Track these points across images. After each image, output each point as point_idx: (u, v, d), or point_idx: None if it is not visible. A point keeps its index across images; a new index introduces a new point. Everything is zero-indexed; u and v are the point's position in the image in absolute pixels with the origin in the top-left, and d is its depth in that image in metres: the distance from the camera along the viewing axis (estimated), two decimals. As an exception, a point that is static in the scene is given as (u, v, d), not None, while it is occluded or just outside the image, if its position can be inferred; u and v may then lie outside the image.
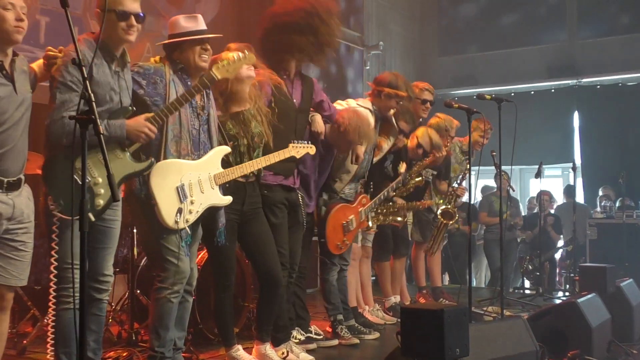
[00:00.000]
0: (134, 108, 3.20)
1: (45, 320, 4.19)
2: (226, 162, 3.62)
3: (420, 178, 5.22)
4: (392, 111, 4.91)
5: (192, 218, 3.41)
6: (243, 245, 3.96)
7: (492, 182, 9.22)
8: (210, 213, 3.54)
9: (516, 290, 8.04)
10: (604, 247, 8.21)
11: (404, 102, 4.86)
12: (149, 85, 3.38)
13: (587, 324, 4.13)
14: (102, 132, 2.20)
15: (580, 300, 4.30)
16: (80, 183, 2.89)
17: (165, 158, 3.35)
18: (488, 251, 8.48)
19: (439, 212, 5.81)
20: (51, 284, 3.01)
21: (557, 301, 6.52)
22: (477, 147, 6.00)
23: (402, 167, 5.13)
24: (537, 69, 10.35)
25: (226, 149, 3.60)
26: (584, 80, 10.22)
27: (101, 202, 3.04)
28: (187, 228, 3.42)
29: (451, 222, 5.88)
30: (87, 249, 3.02)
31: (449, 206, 5.83)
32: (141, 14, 3.10)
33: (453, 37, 11.29)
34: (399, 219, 5.16)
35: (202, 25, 3.52)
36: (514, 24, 10.79)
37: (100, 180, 3.04)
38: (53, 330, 3.08)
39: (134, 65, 3.44)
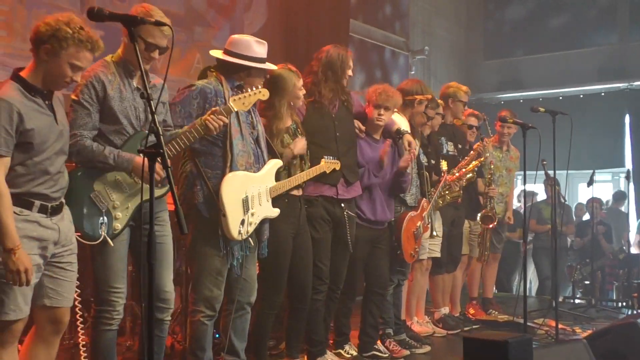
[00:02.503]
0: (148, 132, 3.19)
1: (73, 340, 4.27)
2: None
3: (471, 175, 5.43)
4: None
5: (251, 229, 3.50)
6: None
7: (534, 187, 8.98)
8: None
9: (566, 300, 7.88)
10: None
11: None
12: (210, 108, 3.33)
13: (648, 345, 4.02)
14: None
15: (640, 320, 4.19)
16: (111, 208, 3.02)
17: (231, 171, 3.40)
18: (536, 259, 8.33)
19: (478, 218, 5.81)
20: (76, 302, 3.07)
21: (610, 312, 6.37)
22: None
23: (444, 165, 5.09)
24: (587, 72, 10.06)
25: (279, 162, 3.68)
26: (635, 83, 9.93)
27: (119, 226, 3.07)
28: (250, 239, 3.50)
29: (491, 225, 5.80)
30: (142, 270, 3.10)
31: (487, 209, 5.78)
32: (164, 46, 3.12)
33: (499, 40, 11.08)
34: (456, 193, 5.33)
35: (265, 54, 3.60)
36: (563, 26, 10.52)
37: (118, 204, 3.06)
38: (90, 348, 3.20)
39: (191, 86, 3.45)
